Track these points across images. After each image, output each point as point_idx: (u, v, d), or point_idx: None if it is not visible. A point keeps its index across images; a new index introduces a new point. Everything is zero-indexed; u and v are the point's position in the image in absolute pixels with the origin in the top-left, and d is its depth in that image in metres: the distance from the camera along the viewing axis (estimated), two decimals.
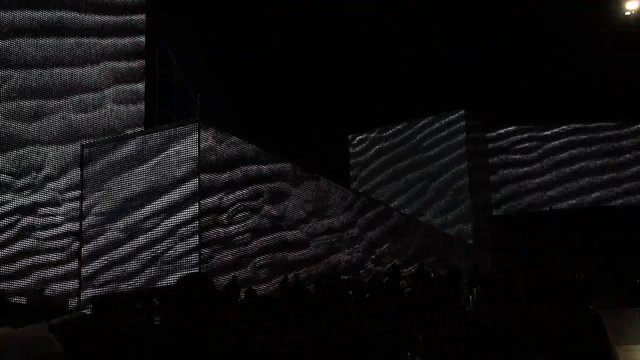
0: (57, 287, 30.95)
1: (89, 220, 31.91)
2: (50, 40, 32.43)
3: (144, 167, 31.17)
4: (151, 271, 30.16)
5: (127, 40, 35.86)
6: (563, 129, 57.17)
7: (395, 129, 56.39)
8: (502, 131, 57.70)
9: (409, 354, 17.19)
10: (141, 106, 36.11)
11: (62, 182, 32.04)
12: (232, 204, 31.18)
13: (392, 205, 50.19)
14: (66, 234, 31.61)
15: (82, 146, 32.63)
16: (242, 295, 26.99)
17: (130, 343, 22.23)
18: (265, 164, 33.53)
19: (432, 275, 32.04)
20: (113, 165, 31.89)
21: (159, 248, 30.15)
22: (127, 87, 35.55)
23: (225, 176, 31.06)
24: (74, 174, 32.37)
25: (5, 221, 29.62)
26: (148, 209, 30.75)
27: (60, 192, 31.82)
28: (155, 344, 4.04)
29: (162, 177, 30.78)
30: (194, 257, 29.32)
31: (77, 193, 32.23)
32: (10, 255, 29.44)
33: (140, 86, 36.16)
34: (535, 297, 29.00)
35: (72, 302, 31.18)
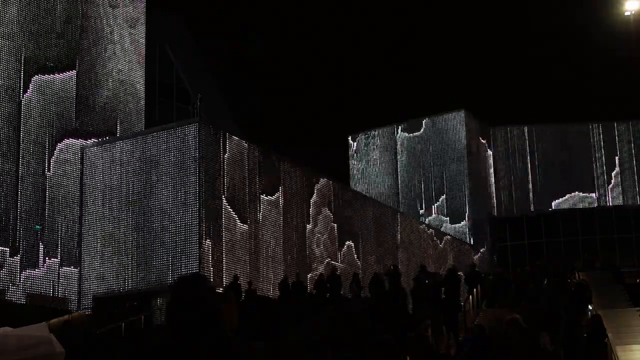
0: (58, 287, 30.93)
1: (89, 220, 31.90)
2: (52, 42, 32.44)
3: (144, 166, 31.16)
4: (151, 271, 30.16)
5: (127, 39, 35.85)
6: (563, 129, 57.12)
7: (395, 129, 56.33)
8: (502, 131, 57.65)
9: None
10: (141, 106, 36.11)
11: (62, 182, 32.02)
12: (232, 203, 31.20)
13: (391, 204, 50.15)
14: (66, 234, 31.61)
15: (82, 146, 32.63)
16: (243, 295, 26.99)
17: (130, 343, 22.20)
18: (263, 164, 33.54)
19: (434, 275, 31.99)
20: (113, 165, 31.88)
21: (159, 248, 30.15)
22: (128, 86, 35.54)
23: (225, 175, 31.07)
24: (74, 174, 32.35)
25: (6, 221, 29.62)
26: (148, 209, 30.74)
27: (60, 193, 31.80)
28: (155, 344, 4.04)
29: (161, 177, 30.77)
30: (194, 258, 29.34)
31: (77, 193, 32.23)
32: (10, 255, 29.42)
33: (141, 86, 36.15)
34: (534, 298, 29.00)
35: (72, 302, 31.17)
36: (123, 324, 26.53)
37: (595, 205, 55.38)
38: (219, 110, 45.52)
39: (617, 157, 56.03)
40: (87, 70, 33.73)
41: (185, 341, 3.88)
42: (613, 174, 55.76)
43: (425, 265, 33.21)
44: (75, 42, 33.48)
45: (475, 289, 30.21)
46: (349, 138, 58.32)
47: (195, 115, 33.41)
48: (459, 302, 27.10)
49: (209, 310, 3.92)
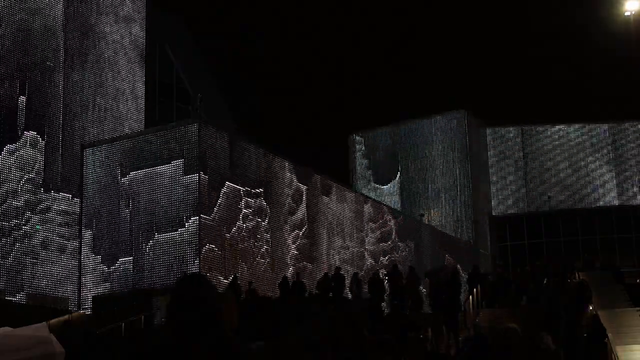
0: (58, 287, 30.94)
1: (89, 220, 31.91)
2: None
3: (144, 166, 31.17)
4: (151, 271, 30.18)
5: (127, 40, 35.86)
6: (563, 128, 57.12)
7: (395, 129, 56.34)
8: (502, 131, 57.66)
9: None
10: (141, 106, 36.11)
11: (62, 182, 32.02)
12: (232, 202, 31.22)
13: (391, 205, 50.15)
14: (66, 234, 31.60)
15: (82, 146, 32.63)
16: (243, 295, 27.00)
17: (130, 343, 22.17)
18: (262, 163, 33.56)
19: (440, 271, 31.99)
20: (113, 165, 31.88)
21: (158, 247, 30.16)
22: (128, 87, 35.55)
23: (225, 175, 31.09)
24: (74, 174, 32.35)
25: (6, 221, 29.61)
26: (148, 209, 30.75)
27: (60, 192, 31.80)
28: (155, 344, 4.04)
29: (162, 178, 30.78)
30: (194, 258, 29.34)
31: (77, 193, 32.24)
32: (10, 255, 29.42)
33: (141, 86, 36.14)
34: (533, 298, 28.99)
35: (72, 302, 31.18)
36: (123, 324, 26.52)
37: (596, 205, 55.35)
38: (219, 110, 45.52)
39: (619, 158, 55.99)
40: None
41: (185, 341, 3.89)
42: (612, 174, 55.72)
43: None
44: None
45: (475, 289, 30.23)
46: (352, 137, 58.27)
47: (196, 116, 33.40)
48: (459, 302, 27.11)
49: (209, 310, 3.92)
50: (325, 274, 31.59)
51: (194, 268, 28.82)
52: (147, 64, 36.89)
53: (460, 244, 49.10)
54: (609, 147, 56.12)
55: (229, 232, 30.72)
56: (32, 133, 31.04)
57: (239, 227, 31.28)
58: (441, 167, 54.12)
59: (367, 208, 40.20)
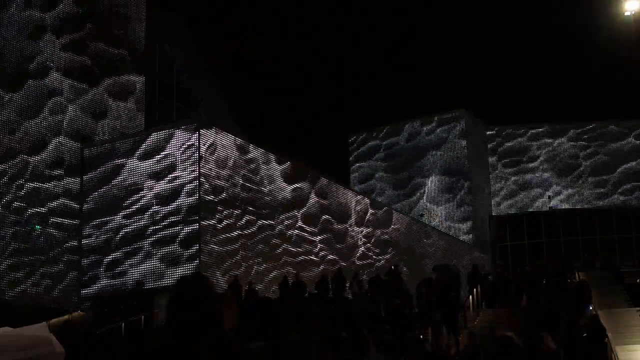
0: (57, 287, 30.92)
1: (89, 219, 31.90)
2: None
3: (144, 166, 31.16)
4: (151, 271, 30.17)
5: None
6: (563, 128, 57.12)
7: (395, 129, 56.35)
8: (502, 130, 57.66)
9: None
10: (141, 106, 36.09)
11: (63, 181, 32.02)
12: (231, 202, 31.22)
13: (391, 205, 50.15)
14: (66, 233, 31.59)
15: (82, 146, 32.63)
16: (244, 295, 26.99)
17: (130, 343, 22.17)
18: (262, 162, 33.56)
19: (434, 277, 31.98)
20: (113, 165, 31.88)
21: (159, 248, 30.16)
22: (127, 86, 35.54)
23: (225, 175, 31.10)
24: (75, 174, 32.35)
25: (6, 221, 29.61)
26: (148, 209, 30.75)
27: (60, 191, 31.80)
28: (155, 344, 4.05)
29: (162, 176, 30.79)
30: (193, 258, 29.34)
31: (76, 193, 32.23)
32: (10, 256, 29.42)
33: (140, 85, 36.12)
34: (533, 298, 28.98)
35: (72, 302, 31.16)
36: (123, 324, 26.52)
37: (596, 205, 55.33)
38: (219, 110, 45.51)
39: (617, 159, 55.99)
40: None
41: (185, 341, 3.89)
42: (612, 174, 55.71)
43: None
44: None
45: (475, 289, 30.22)
46: (351, 137, 58.28)
47: (196, 116, 33.40)
48: (459, 302, 27.10)
49: (209, 310, 3.93)
50: (324, 274, 31.56)
51: (193, 268, 28.80)
52: (147, 64, 36.86)
53: (460, 244, 49.08)
54: (610, 147, 56.11)
55: (229, 232, 30.73)
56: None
57: (240, 227, 31.29)
58: (441, 167, 54.10)
59: (367, 208, 40.18)
